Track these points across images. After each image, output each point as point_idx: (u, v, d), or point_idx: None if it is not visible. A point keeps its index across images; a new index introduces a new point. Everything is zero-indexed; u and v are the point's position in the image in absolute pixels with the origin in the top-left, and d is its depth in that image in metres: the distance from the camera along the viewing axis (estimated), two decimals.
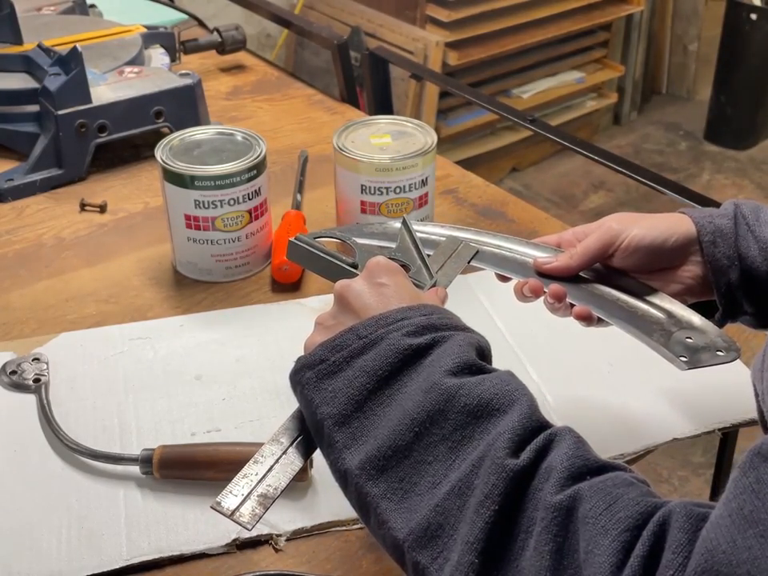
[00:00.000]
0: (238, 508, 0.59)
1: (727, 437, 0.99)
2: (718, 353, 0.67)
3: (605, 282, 0.76)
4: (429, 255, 0.76)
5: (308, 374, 0.60)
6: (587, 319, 0.74)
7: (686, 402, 0.88)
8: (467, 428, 0.54)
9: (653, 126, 3.56)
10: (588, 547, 0.47)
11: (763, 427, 0.64)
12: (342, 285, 0.65)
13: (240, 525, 0.58)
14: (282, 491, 0.61)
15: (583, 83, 3.23)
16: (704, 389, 0.88)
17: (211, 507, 0.59)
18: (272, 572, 0.73)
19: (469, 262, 0.79)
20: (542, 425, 0.54)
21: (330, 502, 0.77)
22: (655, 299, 0.73)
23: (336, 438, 0.57)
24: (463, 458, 0.53)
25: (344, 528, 0.76)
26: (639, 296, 0.74)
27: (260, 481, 0.60)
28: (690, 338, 0.69)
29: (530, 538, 0.49)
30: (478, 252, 0.79)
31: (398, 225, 0.85)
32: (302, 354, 0.63)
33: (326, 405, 0.58)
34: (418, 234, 0.78)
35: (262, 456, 0.62)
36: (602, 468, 0.51)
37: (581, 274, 0.76)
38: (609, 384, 0.91)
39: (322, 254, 0.75)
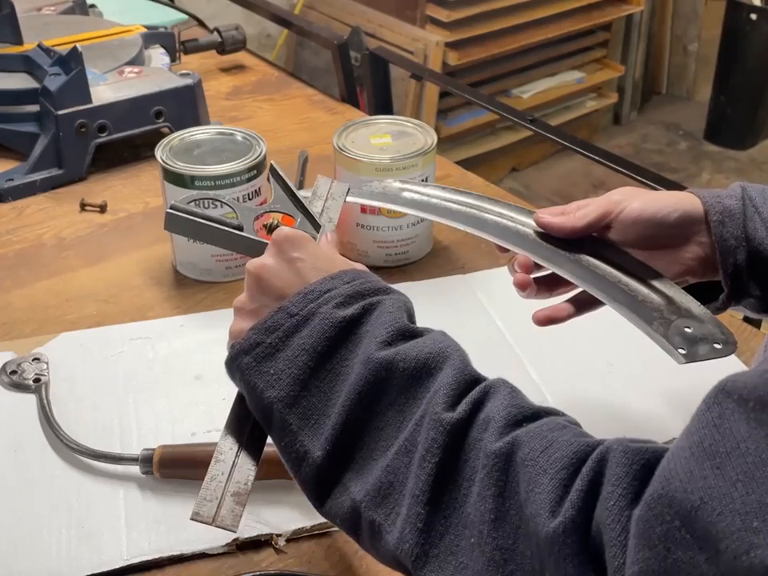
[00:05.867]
0: (217, 513, 0.59)
1: None
2: (716, 345, 0.66)
3: (605, 258, 0.74)
4: (306, 197, 0.74)
5: (245, 360, 0.60)
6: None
7: (686, 402, 0.88)
8: (410, 390, 0.56)
9: (653, 126, 3.56)
10: (528, 487, 0.49)
11: None
12: (256, 265, 0.64)
13: (226, 529, 0.59)
14: (251, 483, 0.61)
15: (583, 83, 3.23)
16: (704, 389, 0.88)
17: (191, 519, 0.59)
18: (272, 572, 0.73)
19: (345, 200, 0.77)
20: (476, 378, 0.56)
21: None
22: (655, 282, 0.72)
23: (289, 420, 0.58)
24: (409, 418, 0.55)
25: None
26: (639, 277, 0.73)
27: (228, 479, 0.61)
28: (689, 328, 0.68)
29: (473, 486, 0.51)
30: (350, 189, 0.78)
31: (397, 184, 0.83)
32: (229, 343, 0.63)
33: (271, 388, 0.59)
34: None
35: (221, 453, 0.62)
36: (536, 414, 0.54)
37: (584, 255, 0.75)
38: (609, 384, 0.91)
39: (203, 221, 0.70)
